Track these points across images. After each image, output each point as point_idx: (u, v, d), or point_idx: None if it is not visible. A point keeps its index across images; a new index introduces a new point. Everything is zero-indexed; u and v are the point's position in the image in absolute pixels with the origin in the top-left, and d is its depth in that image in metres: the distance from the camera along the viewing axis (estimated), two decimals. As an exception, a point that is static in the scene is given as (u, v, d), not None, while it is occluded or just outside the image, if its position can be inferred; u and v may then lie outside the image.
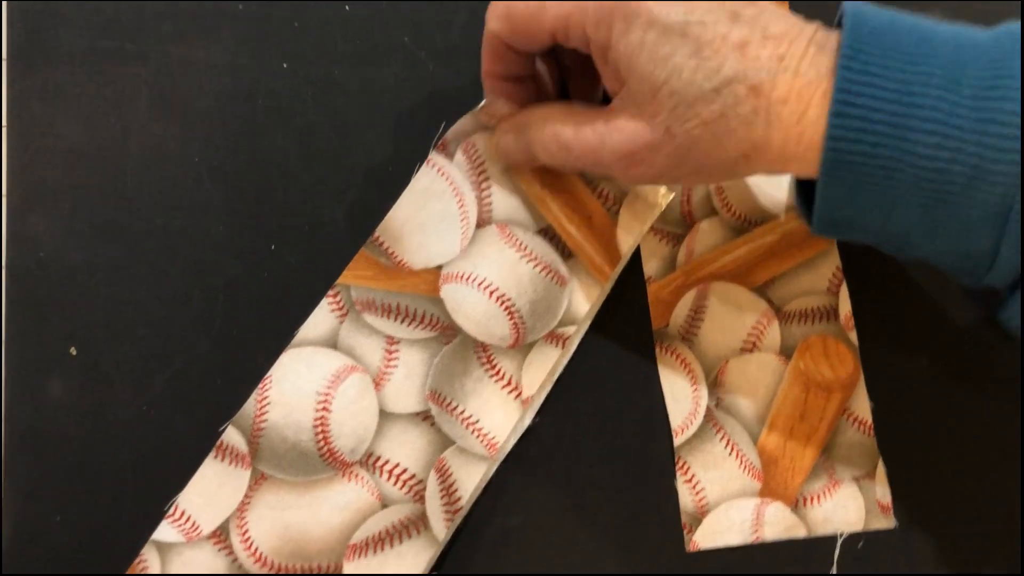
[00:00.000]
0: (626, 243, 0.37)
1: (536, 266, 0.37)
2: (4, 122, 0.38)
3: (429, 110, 0.40)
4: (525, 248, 0.37)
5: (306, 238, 0.38)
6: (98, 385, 0.36)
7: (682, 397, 0.38)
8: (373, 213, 0.38)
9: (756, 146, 0.30)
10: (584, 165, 0.34)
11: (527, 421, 0.37)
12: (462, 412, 0.36)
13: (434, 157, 0.38)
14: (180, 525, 0.34)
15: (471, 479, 0.35)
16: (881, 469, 0.38)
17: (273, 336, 0.37)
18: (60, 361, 0.36)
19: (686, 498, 0.37)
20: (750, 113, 0.29)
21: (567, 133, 0.33)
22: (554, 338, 0.37)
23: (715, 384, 0.38)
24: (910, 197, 0.28)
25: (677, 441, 0.37)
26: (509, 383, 0.36)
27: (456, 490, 0.35)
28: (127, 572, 0.34)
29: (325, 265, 0.38)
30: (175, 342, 0.37)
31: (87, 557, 0.35)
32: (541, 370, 0.36)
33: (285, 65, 0.40)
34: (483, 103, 0.37)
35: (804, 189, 0.34)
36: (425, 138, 0.39)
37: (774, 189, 0.40)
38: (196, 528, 0.34)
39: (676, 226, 0.40)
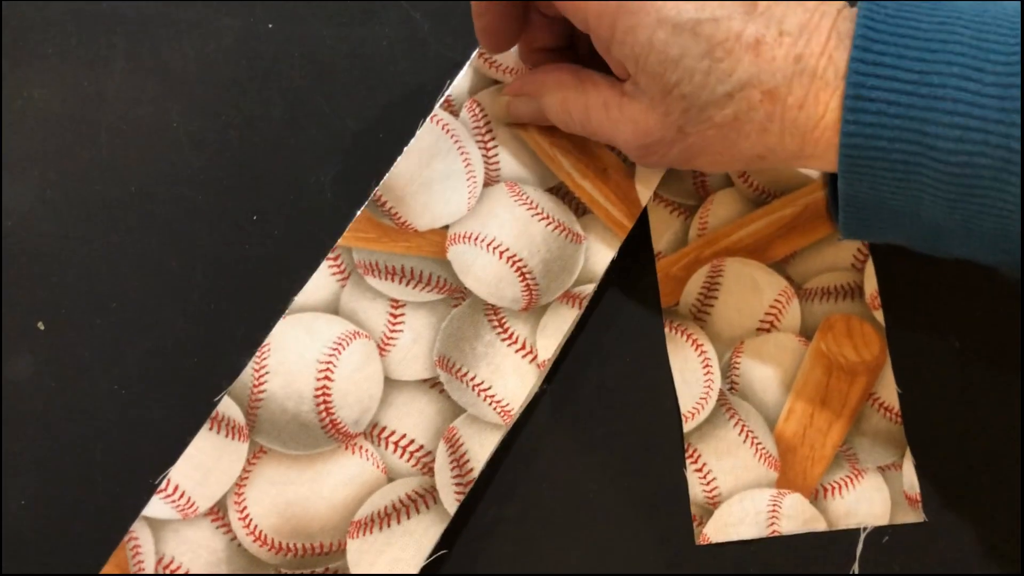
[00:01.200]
0: (645, 195, 0.35)
1: (549, 224, 0.35)
2: (-30, 83, 0.36)
3: (423, 73, 0.37)
4: (536, 206, 0.35)
5: (290, 208, 0.36)
6: (67, 362, 0.34)
7: (693, 380, 0.35)
8: (361, 182, 0.36)
9: (771, 149, 0.28)
10: (596, 140, 0.33)
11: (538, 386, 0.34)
12: (473, 378, 0.33)
13: (439, 113, 0.35)
14: (174, 501, 0.32)
15: (484, 449, 0.33)
16: (909, 459, 0.35)
17: (254, 311, 0.34)
18: (28, 336, 0.34)
19: (696, 488, 0.34)
20: (764, 119, 0.28)
21: (578, 110, 0.32)
22: (570, 298, 0.34)
23: (729, 367, 0.35)
24: (936, 193, 0.26)
25: (687, 427, 0.35)
26: (523, 347, 0.34)
27: (467, 461, 0.33)
28: (117, 550, 0.32)
29: (310, 236, 0.35)
30: (149, 317, 0.35)
31: (53, 537, 0.33)
32: (557, 332, 0.34)
33: (271, 25, 0.37)
34: (476, 52, 0.35)
35: (834, 187, 0.31)
36: (418, 103, 0.37)
37: (794, 157, 0.37)
38: (191, 504, 0.32)
39: (688, 198, 0.37)
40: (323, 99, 0.37)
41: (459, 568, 0.34)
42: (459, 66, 0.36)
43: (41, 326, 0.34)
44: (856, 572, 0.34)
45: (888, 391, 0.35)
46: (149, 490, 0.32)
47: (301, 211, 0.36)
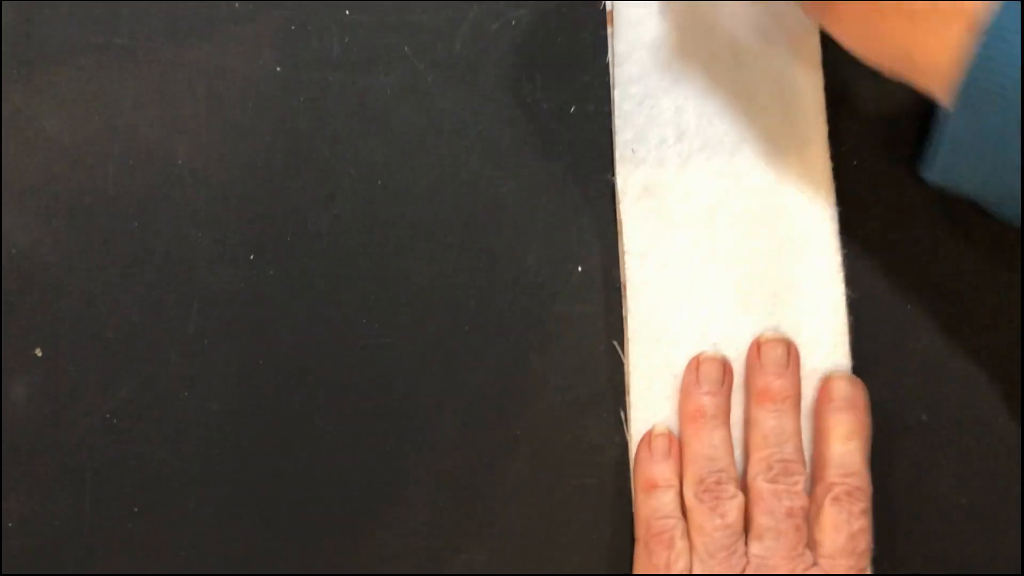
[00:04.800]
0: None
1: None
2: (-16, 112, 0.37)
3: (424, 123, 0.38)
4: None
5: (287, 249, 0.37)
6: (62, 389, 0.35)
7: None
8: (359, 227, 0.37)
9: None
10: None
11: None
12: None
13: None
14: None
15: None
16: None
17: (245, 349, 0.36)
18: (25, 362, 0.35)
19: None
20: None
21: None
22: None
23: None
24: None
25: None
26: None
27: None
28: None
29: (305, 278, 0.37)
30: (144, 348, 0.36)
31: (39, 562, 0.34)
32: None
33: (278, 69, 0.39)
34: None
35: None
36: (418, 152, 0.38)
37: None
38: None
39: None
40: (325, 144, 0.38)
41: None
42: (458, 116, 0.37)
43: (39, 353, 0.35)
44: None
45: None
46: (135, 519, 0.33)
47: (297, 253, 0.37)
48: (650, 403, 0.36)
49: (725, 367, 0.35)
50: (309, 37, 0.39)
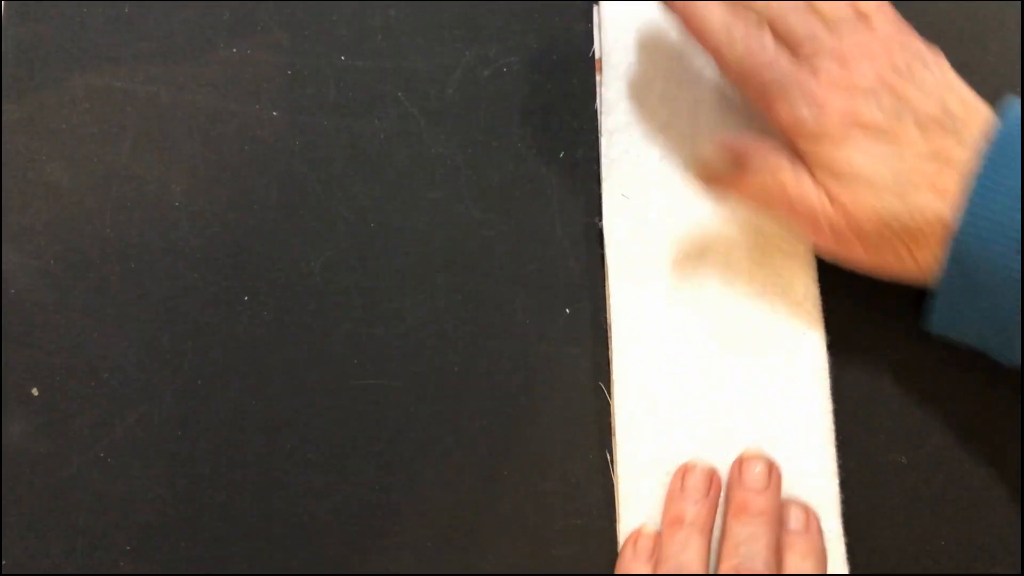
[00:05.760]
0: None
1: None
2: (-14, 156, 0.38)
3: (417, 166, 0.39)
4: None
5: (281, 291, 0.38)
6: (58, 428, 0.36)
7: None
8: (351, 269, 0.38)
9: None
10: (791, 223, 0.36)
11: None
12: None
13: None
14: None
15: None
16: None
17: (238, 389, 0.36)
18: (22, 401, 0.36)
19: None
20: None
21: (788, 179, 0.34)
22: None
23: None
24: None
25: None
26: None
27: None
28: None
29: (298, 319, 0.37)
30: (139, 388, 0.36)
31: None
32: None
33: (275, 113, 0.39)
34: None
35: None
36: (409, 196, 0.39)
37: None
38: None
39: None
40: (319, 187, 0.39)
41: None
42: (450, 161, 0.38)
43: (35, 392, 0.36)
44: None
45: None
46: (127, 558, 0.34)
47: (290, 294, 0.38)
48: (635, 445, 0.36)
49: (712, 478, 0.35)
50: (305, 82, 0.40)
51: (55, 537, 0.35)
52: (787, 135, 0.34)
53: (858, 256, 0.34)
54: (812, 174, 0.33)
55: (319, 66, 0.40)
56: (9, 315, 0.37)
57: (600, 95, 0.40)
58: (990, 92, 0.34)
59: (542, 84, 0.40)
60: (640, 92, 0.39)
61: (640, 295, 0.38)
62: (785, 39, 0.34)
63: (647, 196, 0.38)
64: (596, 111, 0.40)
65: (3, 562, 0.35)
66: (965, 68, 0.35)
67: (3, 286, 0.37)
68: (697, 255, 0.38)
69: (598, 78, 0.40)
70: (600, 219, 0.39)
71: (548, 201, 0.39)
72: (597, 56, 0.40)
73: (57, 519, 0.35)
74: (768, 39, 0.34)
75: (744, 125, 0.39)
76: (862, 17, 0.34)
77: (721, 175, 0.35)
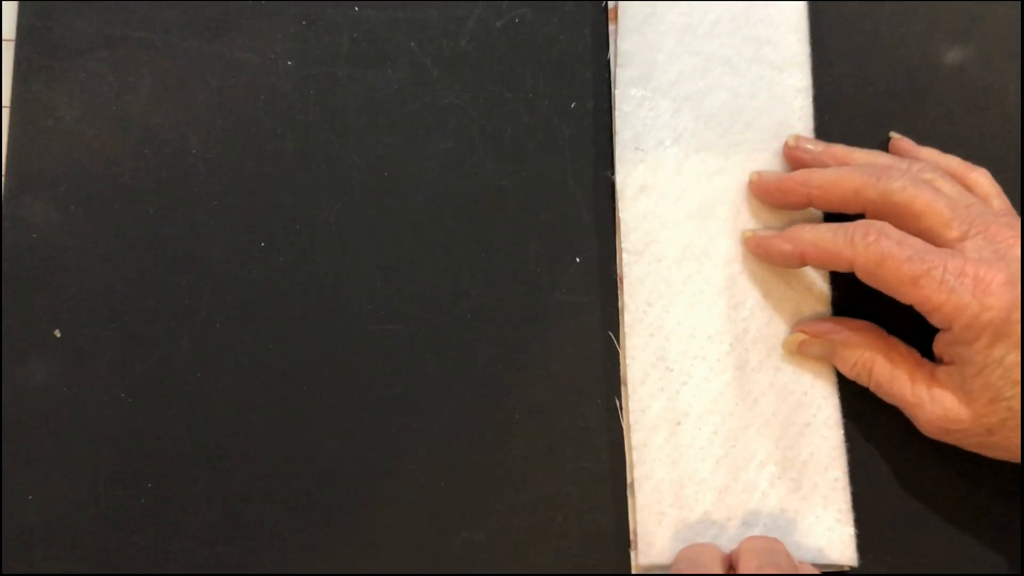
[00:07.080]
0: None
1: None
2: (6, 103, 0.39)
3: (430, 116, 0.40)
4: None
5: (296, 238, 0.38)
6: (79, 369, 0.37)
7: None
8: (365, 217, 0.38)
9: None
10: (886, 399, 0.35)
11: None
12: None
13: None
14: None
15: None
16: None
17: (254, 334, 0.37)
18: (45, 342, 0.37)
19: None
20: None
21: (884, 375, 0.35)
22: None
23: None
24: None
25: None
26: None
27: None
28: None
29: (312, 266, 0.38)
30: (157, 331, 0.37)
31: (53, 540, 0.36)
32: None
33: (290, 63, 0.40)
34: None
35: None
36: (423, 145, 0.39)
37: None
38: None
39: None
40: (334, 136, 0.39)
41: None
42: (463, 111, 0.39)
43: (58, 334, 0.37)
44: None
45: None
46: (148, 496, 0.35)
47: (306, 241, 0.38)
48: (644, 393, 0.37)
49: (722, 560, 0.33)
50: (320, 33, 0.40)
51: (77, 476, 0.36)
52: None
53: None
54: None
55: (333, 17, 0.40)
56: (31, 259, 0.38)
57: (613, 46, 0.40)
58: (991, 93, 0.33)
59: (554, 34, 0.40)
60: (654, 46, 0.39)
61: (650, 249, 0.38)
62: None
63: (658, 152, 0.39)
64: (608, 62, 0.40)
65: (29, 498, 0.36)
66: (965, 70, 0.35)
67: (25, 231, 0.38)
68: (708, 209, 0.38)
69: (611, 27, 0.40)
70: (612, 172, 0.39)
71: (560, 151, 0.39)
72: (610, 6, 0.40)
73: (79, 458, 0.36)
74: None
75: (754, 83, 0.39)
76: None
77: (813, 354, 0.37)
